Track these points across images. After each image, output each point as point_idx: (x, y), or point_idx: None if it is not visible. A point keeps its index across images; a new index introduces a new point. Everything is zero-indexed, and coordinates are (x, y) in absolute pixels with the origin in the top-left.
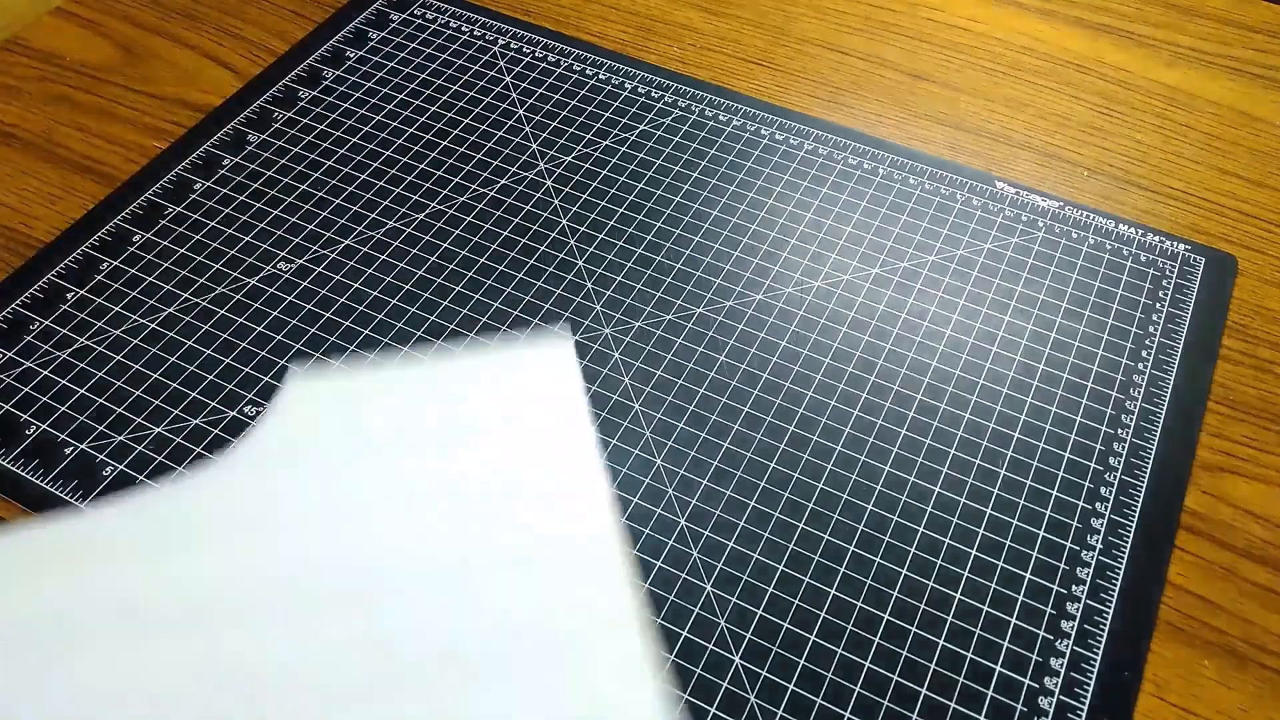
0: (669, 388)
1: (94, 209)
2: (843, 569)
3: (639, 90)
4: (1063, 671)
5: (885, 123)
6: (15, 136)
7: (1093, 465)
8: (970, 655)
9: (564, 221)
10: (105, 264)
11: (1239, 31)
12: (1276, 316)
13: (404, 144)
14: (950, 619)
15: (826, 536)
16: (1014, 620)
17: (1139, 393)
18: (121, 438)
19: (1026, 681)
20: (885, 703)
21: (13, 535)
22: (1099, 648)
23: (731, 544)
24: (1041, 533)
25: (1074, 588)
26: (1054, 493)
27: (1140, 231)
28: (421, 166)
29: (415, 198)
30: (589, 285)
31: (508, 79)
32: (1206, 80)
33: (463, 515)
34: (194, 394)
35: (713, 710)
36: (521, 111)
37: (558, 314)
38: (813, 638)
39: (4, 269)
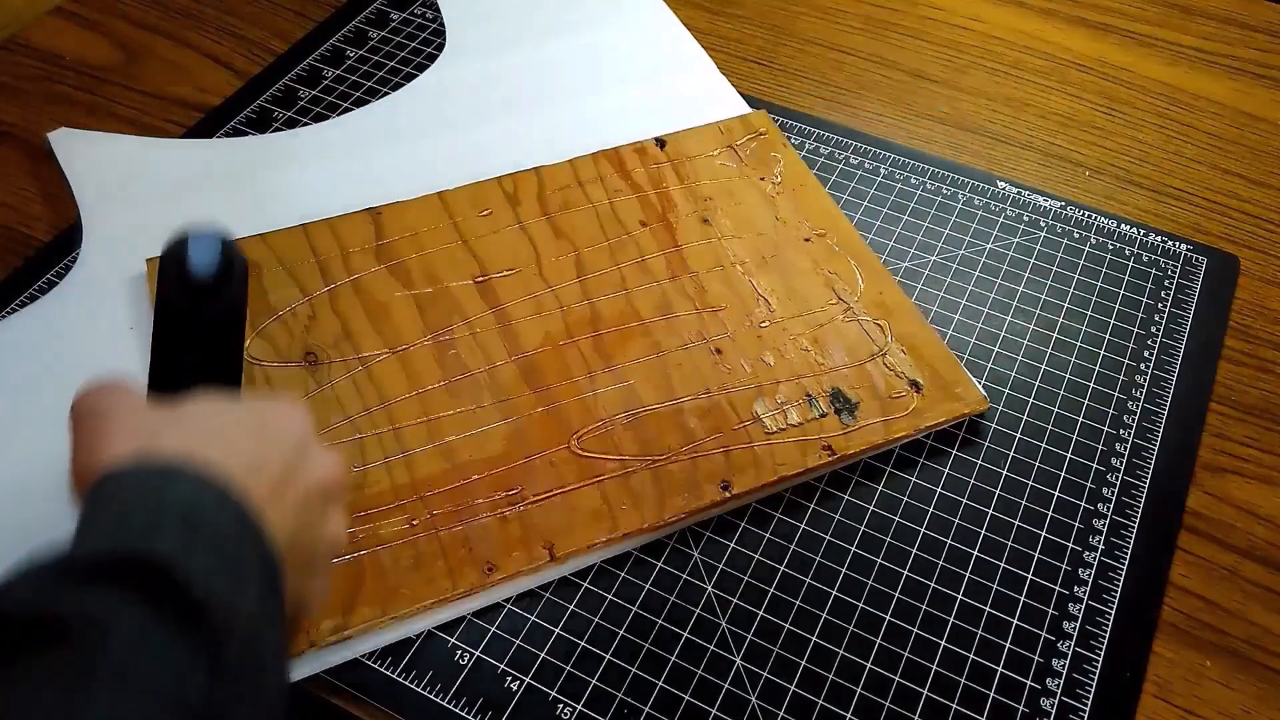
0: None
1: None
2: (844, 569)
3: None
4: (1065, 672)
5: (887, 122)
6: (15, 136)
7: (1095, 466)
8: (972, 656)
9: None
10: None
11: (1240, 31)
12: (1278, 317)
13: None
14: (952, 620)
15: (828, 537)
16: (1016, 621)
17: (1141, 393)
18: None
19: (1028, 682)
20: (887, 704)
21: None
22: (1101, 648)
23: (733, 545)
24: (1043, 533)
25: (1076, 589)
26: (1055, 493)
27: (1142, 231)
28: None
29: None
30: None
31: None
32: (1208, 80)
33: None
34: None
35: (714, 711)
36: None
37: None
38: (814, 639)
39: (4, 269)
